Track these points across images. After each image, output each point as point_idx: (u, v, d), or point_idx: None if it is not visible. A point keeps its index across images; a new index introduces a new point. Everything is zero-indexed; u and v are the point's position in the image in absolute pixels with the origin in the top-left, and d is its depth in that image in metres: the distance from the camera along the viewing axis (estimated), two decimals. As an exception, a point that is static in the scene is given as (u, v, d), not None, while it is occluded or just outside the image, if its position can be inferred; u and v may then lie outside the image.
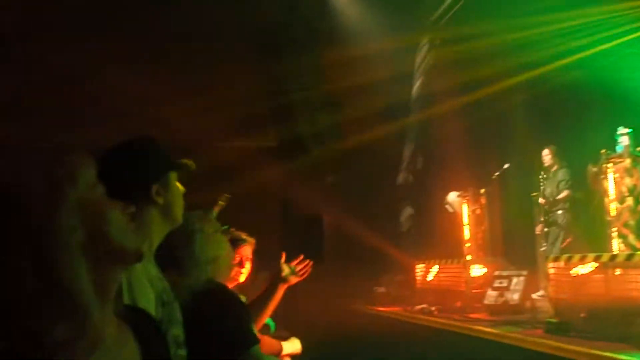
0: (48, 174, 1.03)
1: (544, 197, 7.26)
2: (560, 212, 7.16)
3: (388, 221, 9.07)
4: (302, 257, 3.05)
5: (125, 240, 1.13)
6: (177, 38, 9.61)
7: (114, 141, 1.76)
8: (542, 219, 7.23)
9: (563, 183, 7.18)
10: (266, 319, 3.02)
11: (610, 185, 5.59)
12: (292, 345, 3.30)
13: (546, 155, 7.37)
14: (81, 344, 1.01)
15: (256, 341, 2.32)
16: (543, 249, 7.00)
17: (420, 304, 6.38)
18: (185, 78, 9.56)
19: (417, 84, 9.25)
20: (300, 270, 3.03)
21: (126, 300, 1.44)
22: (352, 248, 8.70)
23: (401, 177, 9.36)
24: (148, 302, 1.49)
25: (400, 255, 8.69)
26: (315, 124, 9.39)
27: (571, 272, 4.39)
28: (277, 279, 2.97)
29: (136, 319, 1.17)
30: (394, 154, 9.45)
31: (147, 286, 1.51)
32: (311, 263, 3.07)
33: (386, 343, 6.59)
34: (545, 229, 7.19)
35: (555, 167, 7.30)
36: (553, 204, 7.19)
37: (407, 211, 9.20)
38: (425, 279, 7.03)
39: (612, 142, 5.71)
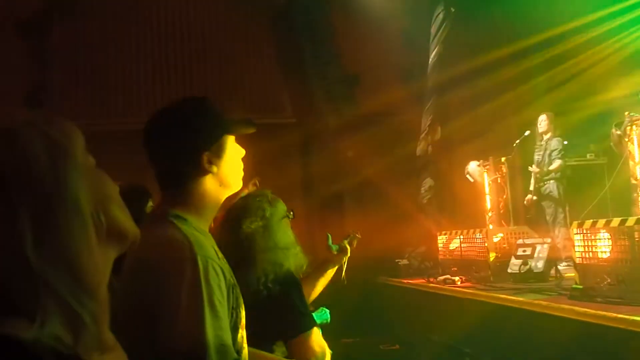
0: (46, 136, 0.83)
1: (537, 165, 7.23)
2: (552, 182, 7.11)
3: (408, 193, 9.05)
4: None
5: (127, 220, 0.94)
6: (190, 14, 9.60)
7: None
8: (531, 188, 7.24)
9: (556, 152, 7.09)
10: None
11: (634, 148, 5.48)
12: (321, 316, 3.34)
13: (543, 120, 7.25)
14: (85, 337, 0.79)
15: (314, 324, 2.31)
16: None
17: (443, 275, 6.38)
18: (201, 55, 9.57)
19: (433, 54, 9.13)
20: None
21: (205, 296, 1.32)
22: (374, 222, 8.71)
23: (420, 148, 9.30)
24: (222, 294, 1.37)
25: (422, 227, 8.68)
26: (332, 98, 9.34)
27: (596, 237, 4.33)
28: (326, 262, 3.00)
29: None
30: (412, 126, 9.39)
31: (220, 277, 1.38)
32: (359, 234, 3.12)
33: (410, 315, 6.63)
34: (534, 198, 7.20)
35: (549, 135, 7.21)
36: (545, 173, 7.14)
37: (428, 182, 9.15)
38: (447, 250, 7.02)
39: (635, 104, 5.60)
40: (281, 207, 2.46)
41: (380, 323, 7.09)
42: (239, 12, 9.68)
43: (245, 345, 1.55)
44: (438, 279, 6.35)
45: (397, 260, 7.90)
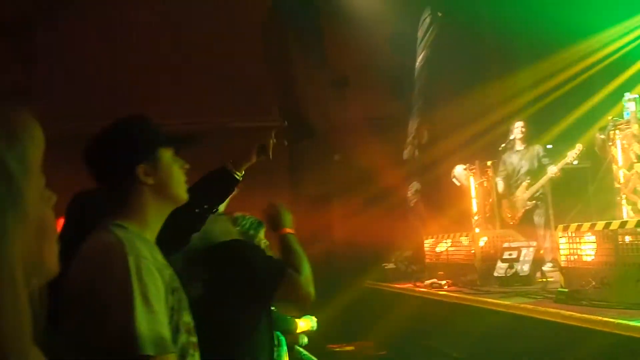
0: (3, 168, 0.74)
1: (527, 172, 7.26)
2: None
3: (395, 197, 9.06)
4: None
5: (52, 259, 0.84)
6: (176, 13, 9.56)
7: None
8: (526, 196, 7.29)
9: (546, 159, 7.15)
10: None
11: (618, 152, 5.54)
12: (307, 323, 3.33)
13: (520, 127, 7.28)
14: None
15: (281, 270, 2.45)
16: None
17: (430, 279, 6.39)
18: (187, 57, 9.53)
19: (420, 58, 9.17)
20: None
21: (136, 291, 1.38)
22: (360, 225, 8.71)
23: (407, 152, 9.32)
24: (158, 292, 1.44)
25: (409, 231, 8.70)
26: (320, 101, 9.35)
27: (581, 240, 4.36)
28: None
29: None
30: (399, 129, 9.41)
31: (156, 276, 1.45)
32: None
33: (397, 319, 6.63)
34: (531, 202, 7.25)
35: (526, 142, 7.28)
36: (536, 179, 7.20)
37: (414, 186, 9.18)
38: (433, 254, 7.03)
39: (618, 109, 5.66)
40: None
41: (366, 328, 7.08)
42: (228, 14, 9.66)
43: (195, 351, 1.59)
44: (425, 283, 6.35)
45: (384, 265, 7.90)
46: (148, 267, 1.44)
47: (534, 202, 7.19)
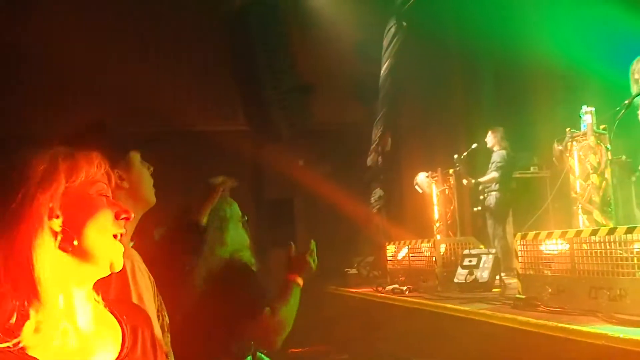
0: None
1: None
2: (492, 194, 7.35)
3: (358, 203, 9.11)
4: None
5: (98, 246, 1.07)
6: (144, 20, 9.43)
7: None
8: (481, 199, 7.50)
9: (493, 165, 7.34)
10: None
11: (575, 163, 5.69)
12: None
13: (488, 135, 7.52)
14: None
15: (261, 307, 2.57)
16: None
17: (391, 285, 6.43)
18: (155, 62, 9.40)
19: (385, 66, 9.25)
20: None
21: (133, 293, 1.41)
22: (323, 230, 8.72)
23: (370, 159, 9.39)
24: (148, 291, 1.47)
25: (371, 237, 8.75)
26: (285, 107, 9.34)
27: (538, 248, 4.46)
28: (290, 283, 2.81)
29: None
30: (363, 136, 9.47)
31: (146, 276, 1.49)
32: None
33: (359, 324, 6.65)
34: (479, 209, 7.46)
35: (496, 149, 7.47)
36: (486, 185, 7.41)
37: (377, 192, 9.24)
38: (395, 260, 7.08)
39: (576, 121, 5.81)
40: (238, 211, 2.70)
41: (328, 332, 7.08)
42: (193, 19, 9.58)
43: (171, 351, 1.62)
44: (386, 289, 6.39)
45: (346, 270, 7.92)
46: (139, 267, 1.48)
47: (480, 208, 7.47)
